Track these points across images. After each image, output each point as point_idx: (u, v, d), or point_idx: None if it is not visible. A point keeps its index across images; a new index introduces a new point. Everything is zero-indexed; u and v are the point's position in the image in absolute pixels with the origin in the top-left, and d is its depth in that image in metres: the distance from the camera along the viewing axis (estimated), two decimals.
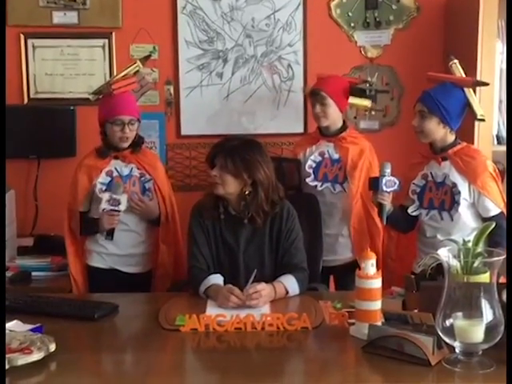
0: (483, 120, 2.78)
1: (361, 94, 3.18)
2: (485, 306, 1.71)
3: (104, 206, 2.76)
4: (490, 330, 1.70)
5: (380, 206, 2.73)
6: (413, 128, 2.73)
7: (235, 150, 2.49)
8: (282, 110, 3.66)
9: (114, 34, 3.55)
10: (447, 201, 2.68)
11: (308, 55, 3.61)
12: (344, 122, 3.17)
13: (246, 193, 2.50)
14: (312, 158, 3.12)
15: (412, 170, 2.84)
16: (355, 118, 3.65)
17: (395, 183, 2.68)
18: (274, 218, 2.56)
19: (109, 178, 2.89)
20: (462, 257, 1.78)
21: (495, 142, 3.28)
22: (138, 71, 3.07)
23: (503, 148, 3.23)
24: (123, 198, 2.77)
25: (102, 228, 2.82)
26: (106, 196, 2.76)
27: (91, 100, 3.01)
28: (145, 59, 3.19)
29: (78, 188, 2.90)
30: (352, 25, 3.61)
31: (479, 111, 2.72)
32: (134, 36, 3.54)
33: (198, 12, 3.57)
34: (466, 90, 2.70)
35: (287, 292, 2.42)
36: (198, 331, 2.07)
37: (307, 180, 3.11)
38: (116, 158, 2.93)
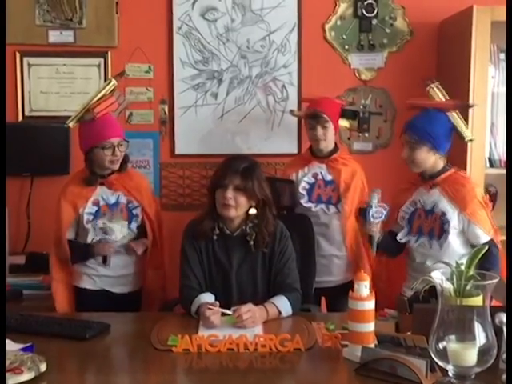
0: (472, 140, 2.79)
1: (351, 116, 3.21)
2: (478, 329, 1.70)
3: (96, 234, 2.77)
4: (482, 353, 1.70)
5: (369, 236, 2.74)
6: (403, 160, 2.71)
7: (248, 171, 2.48)
8: (276, 130, 3.67)
9: (109, 53, 3.57)
10: (436, 229, 2.67)
11: (302, 77, 3.63)
12: (335, 143, 3.19)
13: (254, 213, 2.50)
14: (305, 179, 3.13)
15: (400, 195, 2.83)
16: (349, 139, 3.67)
17: (382, 213, 2.66)
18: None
19: (95, 208, 2.83)
20: (455, 279, 1.78)
21: (487, 164, 3.30)
22: (114, 90, 2.91)
23: (495, 171, 3.26)
24: (116, 227, 2.77)
25: (97, 253, 2.81)
26: (99, 224, 2.77)
27: (70, 127, 2.88)
28: (119, 76, 3.10)
29: (62, 216, 2.83)
30: (346, 47, 3.64)
31: (466, 133, 2.72)
32: (129, 55, 3.56)
33: (194, 32, 3.60)
34: (449, 113, 2.69)
35: (280, 313, 2.41)
36: (191, 352, 2.05)
37: (301, 201, 3.12)
38: (102, 184, 2.86)
